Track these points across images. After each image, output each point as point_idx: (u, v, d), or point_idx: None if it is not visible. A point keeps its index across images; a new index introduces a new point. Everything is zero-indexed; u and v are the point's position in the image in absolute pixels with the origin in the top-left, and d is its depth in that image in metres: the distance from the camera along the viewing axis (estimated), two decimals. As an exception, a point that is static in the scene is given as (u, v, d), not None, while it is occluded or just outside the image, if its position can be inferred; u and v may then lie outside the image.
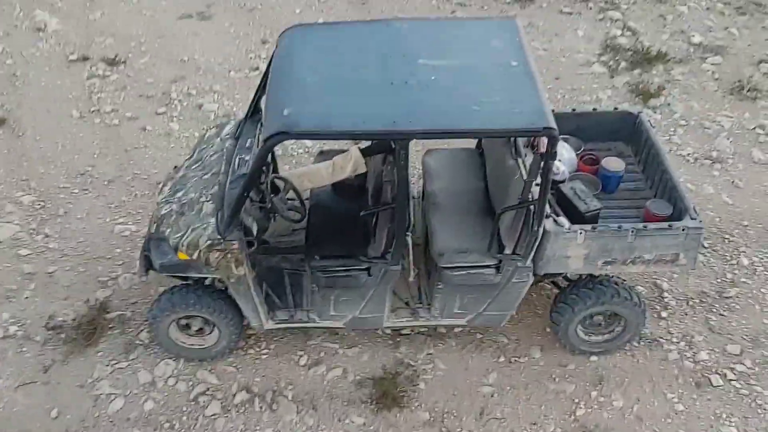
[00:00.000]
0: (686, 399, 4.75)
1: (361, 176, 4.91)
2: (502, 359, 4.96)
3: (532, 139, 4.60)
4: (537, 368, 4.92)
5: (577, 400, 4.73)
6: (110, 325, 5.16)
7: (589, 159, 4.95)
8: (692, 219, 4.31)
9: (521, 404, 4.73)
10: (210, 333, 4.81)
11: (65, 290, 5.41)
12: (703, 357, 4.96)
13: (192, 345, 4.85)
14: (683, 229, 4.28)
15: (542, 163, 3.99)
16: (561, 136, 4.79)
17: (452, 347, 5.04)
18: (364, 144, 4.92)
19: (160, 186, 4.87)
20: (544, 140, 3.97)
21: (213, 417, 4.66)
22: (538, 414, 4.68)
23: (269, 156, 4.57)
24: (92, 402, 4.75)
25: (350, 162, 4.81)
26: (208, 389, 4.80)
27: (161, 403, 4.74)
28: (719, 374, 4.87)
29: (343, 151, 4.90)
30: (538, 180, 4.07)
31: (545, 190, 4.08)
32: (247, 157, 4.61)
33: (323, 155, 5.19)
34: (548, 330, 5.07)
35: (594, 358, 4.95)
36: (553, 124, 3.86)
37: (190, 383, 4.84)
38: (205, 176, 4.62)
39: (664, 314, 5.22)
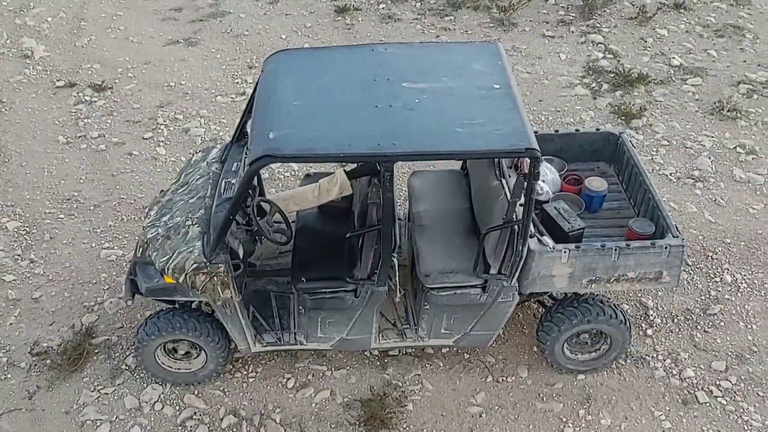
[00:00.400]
0: (673, 416, 4.77)
1: (347, 198, 4.94)
2: (489, 379, 4.97)
3: (516, 160, 4.66)
4: (524, 387, 4.92)
5: (565, 419, 4.74)
6: (96, 351, 5.13)
7: (572, 179, 5.01)
8: (674, 237, 4.37)
9: (509, 424, 4.73)
10: (197, 357, 4.79)
11: (51, 316, 5.38)
12: (689, 374, 4.99)
13: (179, 369, 4.82)
14: (666, 247, 4.33)
15: (525, 184, 4.04)
16: (545, 157, 4.87)
17: (440, 368, 5.04)
18: (350, 167, 4.96)
19: (147, 210, 4.88)
20: (527, 161, 4.03)
21: (200, 442, 4.64)
22: (526, 434, 4.69)
23: (255, 179, 4.61)
24: (78, 428, 4.70)
25: (336, 185, 4.84)
26: (195, 413, 4.77)
27: (148, 428, 4.70)
28: (705, 391, 4.90)
29: (329, 174, 4.93)
30: (522, 200, 4.11)
31: (529, 210, 4.12)
32: (233, 181, 4.63)
33: (309, 178, 5.23)
34: (535, 349, 5.09)
35: (581, 376, 4.96)
36: (536, 145, 3.91)
37: (177, 408, 4.80)
38: (192, 200, 4.63)
39: (649, 332, 5.25)
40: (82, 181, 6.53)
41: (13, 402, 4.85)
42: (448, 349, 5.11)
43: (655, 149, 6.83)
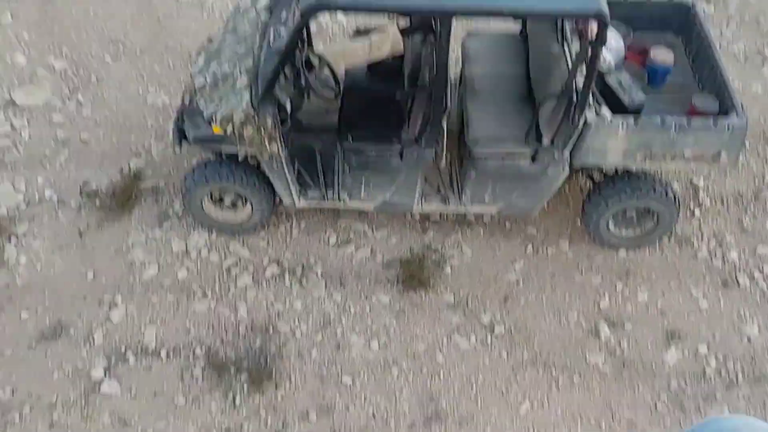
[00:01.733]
0: (711, 297, 4.77)
1: (397, 57, 4.77)
2: (529, 249, 4.98)
3: (581, 24, 4.41)
4: (564, 259, 4.93)
5: (602, 292, 4.77)
6: (143, 195, 5.22)
7: (637, 49, 4.75)
8: (738, 117, 4.17)
9: (546, 293, 4.78)
10: (242, 208, 4.85)
11: (99, 158, 5.44)
12: (732, 257, 4.94)
13: (224, 219, 4.90)
14: (728, 127, 4.15)
15: (589, 51, 3.83)
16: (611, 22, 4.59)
17: (480, 235, 5.05)
18: (403, 23, 4.74)
19: (194, 57, 4.78)
20: (593, 26, 3.80)
21: (244, 287, 4.77)
22: (561, 303, 4.73)
23: (305, 31, 4.44)
24: (127, 267, 4.86)
25: (388, 41, 4.66)
26: (240, 261, 4.90)
27: (194, 272, 4.85)
28: (747, 275, 4.86)
29: (380, 30, 4.73)
30: (584, 69, 3.92)
31: (590, 80, 3.94)
32: (282, 30, 4.48)
33: (359, 34, 5.03)
34: (578, 223, 5.05)
35: (623, 252, 4.94)
36: (605, 8, 3.67)
37: (223, 254, 4.92)
38: (240, 49, 4.51)
39: (697, 212, 5.16)
40: (127, 24, 6.40)
41: (65, 239, 5.01)
42: (489, 218, 5.10)
43: (725, 23, 6.42)
